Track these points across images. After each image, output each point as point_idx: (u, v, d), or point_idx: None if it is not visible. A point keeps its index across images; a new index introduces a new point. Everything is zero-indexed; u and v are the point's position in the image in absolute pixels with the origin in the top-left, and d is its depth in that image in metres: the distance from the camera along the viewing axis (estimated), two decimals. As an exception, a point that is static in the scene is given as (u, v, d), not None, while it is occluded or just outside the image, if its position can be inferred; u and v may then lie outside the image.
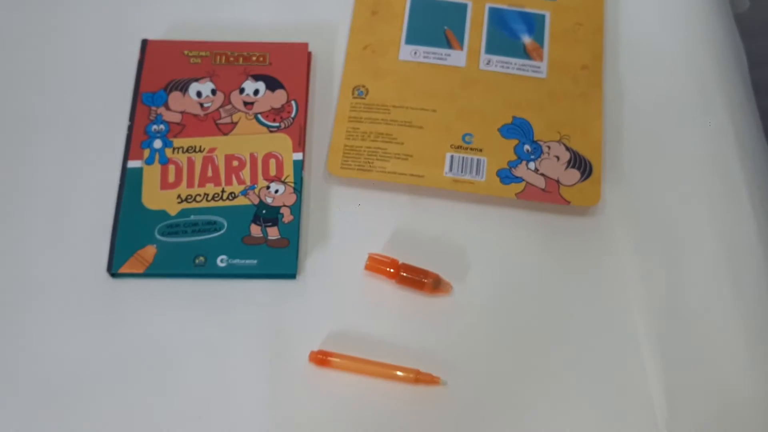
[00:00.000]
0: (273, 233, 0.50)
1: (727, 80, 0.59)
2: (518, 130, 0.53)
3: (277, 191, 0.51)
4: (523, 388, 0.48)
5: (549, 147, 0.53)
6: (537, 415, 0.48)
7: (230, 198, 0.51)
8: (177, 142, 0.53)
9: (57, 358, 0.49)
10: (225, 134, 0.53)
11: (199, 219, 0.51)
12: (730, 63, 0.60)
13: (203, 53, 0.56)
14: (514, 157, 0.53)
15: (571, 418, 0.48)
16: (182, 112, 0.54)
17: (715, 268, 0.51)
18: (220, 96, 0.54)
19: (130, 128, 0.54)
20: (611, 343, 0.50)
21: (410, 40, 0.57)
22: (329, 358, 0.48)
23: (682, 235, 0.52)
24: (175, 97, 0.54)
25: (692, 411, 0.48)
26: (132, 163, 0.52)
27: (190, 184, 0.52)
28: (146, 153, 0.52)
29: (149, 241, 0.50)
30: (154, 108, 0.54)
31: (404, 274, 0.50)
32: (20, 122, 0.55)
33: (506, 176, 0.52)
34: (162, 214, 0.51)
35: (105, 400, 0.48)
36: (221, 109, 0.54)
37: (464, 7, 0.58)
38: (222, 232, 0.51)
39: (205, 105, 0.54)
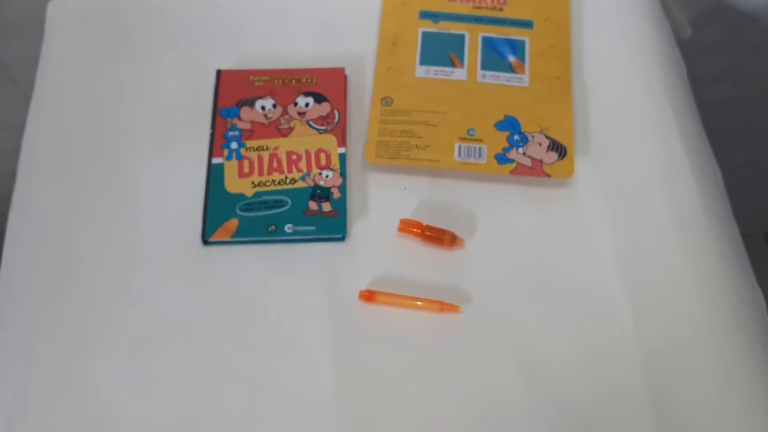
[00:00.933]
0: (326, 207, 0.63)
1: (670, 84, 0.70)
2: (509, 124, 0.66)
3: (327, 176, 0.65)
4: (521, 313, 0.60)
5: (533, 136, 0.66)
6: (531, 333, 0.59)
7: (292, 182, 0.64)
8: (249, 143, 0.66)
9: (163, 308, 0.60)
10: (285, 136, 0.66)
11: (270, 198, 0.63)
12: (672, 72, 0.72)
13: (265, 77, 0.69)
14: (507, 145, 0.65)
15: (559, 335, 0.59)
16: (251, 122, 0.67)
17: (666, 220, 0.63)
18: (279, 109, 0.68)
19: (212, 135, 0.66)
20: (587, 280, 0.61)
21: (423, 62, 0.70)
22: (374, 295, 0.60)
23: (638, 198, 0.64)
24: (245, 111, 0.68)
25: (652, 324, 0.59)
26: (215, 160, 0.65)
27: (261, 173, 0.64)
28: (226, 152, 0.66)
29: (232, 215, 0.63)
30: (229, 119, 0.67)
31: (428, 233, 0.62)
32: (133, 133, 0.67)
33: (502, 159, 0.65)
34: (241, 196, 0.63)
35: (203, 340, 0.59)
36: (281, 118, 0.67)
37: (463, 36, 0.71)
38: (287, 207, 0.63)
39: (269, 116, 0.67)
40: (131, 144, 0.68)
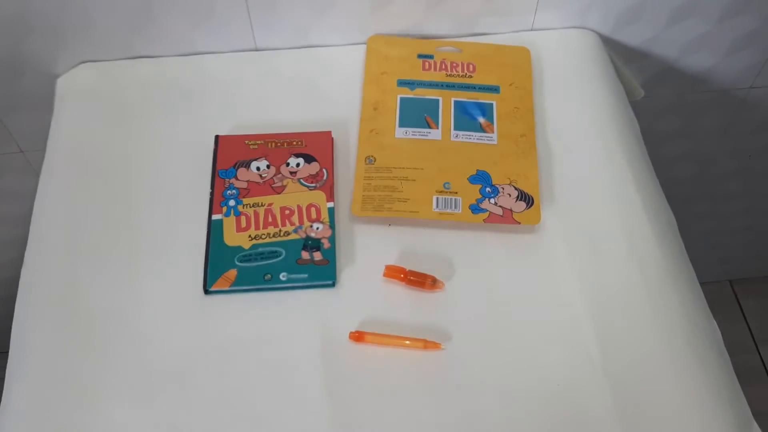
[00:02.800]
0: (317, 256, 0.69)
1: (625, 139, 0.77)
2: (481, 178, 0.73)
3: (318, 228, 0.70)
4: (498, 348, 0.64)
5: (503, 188, 0.72)
6: (508, 367, 0.63)
7: (285, 235, 0.70)
8: (245, 201, 0.71)
9: (168, 353, 0.64)
10: (278, 194, 0.72)
11: (265, 249, 0.69)
12: (627, 129, 0.79)
13: (259, 141, 0.75)
14: (479, 196, 0.72)
15: (533, 368, 0.63)
16: (247, 181, 0.73)
17: (625, 260, 0.69)
18: (273, 169, 0.74)
19: (212, 194, 0.72)
20: (556, 316, 0.66)
21: (402, 125, 0.76)
22: (363, 336, 0.64)
23: (598, 241, 0.70)
24: (241, 172, 0.73)
25: (618, 356, 0.64)
26: (215, 217, 0.71)
27: (257, 228, 0.70)
28: (224, 209, 0.71)
29: (231, 266, 0.68)
30: (227, 179, 0.73)
31: (411, 278, 0.67)
32: (139, 195, 0.73)
33: (475, 209, 0.71)
34: (239, 249, 0.69)
35: (205, 382, 0.63)
36: (274, 177, 0.73)
37: (437, 101, 0.78)
38: (282, 257, 0.68)
39: (263, 175, 0.73)
40: (137, 205, 0.73)
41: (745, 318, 1.48)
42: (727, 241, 1.36)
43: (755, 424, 0.66)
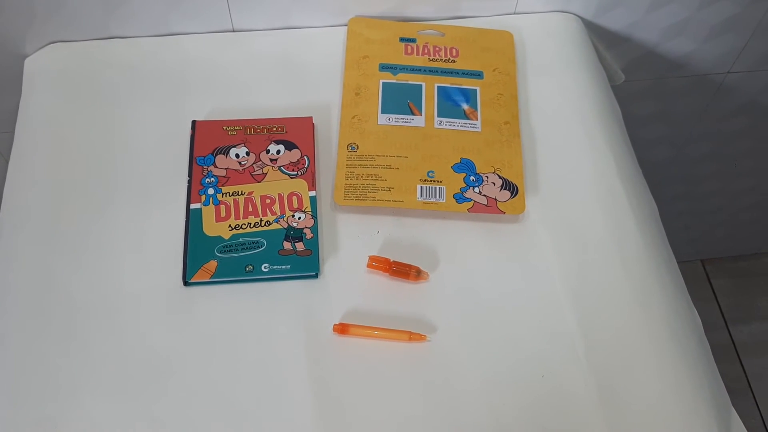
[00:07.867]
0: (300, 246, 0.68)
1: (608, 125, 0.77)
2: (465, 166, 0.72)
3: (300, 218, 0.69)
4: (483, 339, 0.64)
5: (487, 177, 0.72)
6: (493, 357, 0.64)
7: (266, 225, 0.68)
8: (225, 189, 0.70)
9: (147, 347, 0.63)
10: (259, 182, 0.71)
11: (246, 240, 0.67)
12: (609, 114, 0.79)
13: (238, 127, 0.73)
14: (464, 185, 0.71)
15: (518, 358, 0.64)
16: (226, 169, 0.71)
17: (608, 248, 0.69)
18: (252, 156, 0.72)
19: (189, 182, 0.70)
20: (540, 306, 0.66)
21: (384, 111, 0.75)
22: (347, 328, 0.64)
23: (582, 230, 0.70)
24: (220, 159, 0.72)
25: (601, 345, 0.64)
26: (193, 206, 0.69)
27: (237, 217, 0.68)
28: (203, 198, 0.69)
29: (211, 257, 0.66)
30: (205, 167, 0.71)
31: (395, 269, 0.66)
32: (113, 182, 0.71)
33: (460, 198, 0.70)
34: (219, 239, 0.67)
35: (185, 375, 0.62)
36: (254, 165, 0.72)
37: (420, 86, 0.77)
38: (263, 248, 0.67)
39: (242, 163, 0.72)
40: (112, 192, 0.71)
41: (715, 297, 1.50)
42: (699, 221, 1.38)
43: (734, 411, 0.67)
